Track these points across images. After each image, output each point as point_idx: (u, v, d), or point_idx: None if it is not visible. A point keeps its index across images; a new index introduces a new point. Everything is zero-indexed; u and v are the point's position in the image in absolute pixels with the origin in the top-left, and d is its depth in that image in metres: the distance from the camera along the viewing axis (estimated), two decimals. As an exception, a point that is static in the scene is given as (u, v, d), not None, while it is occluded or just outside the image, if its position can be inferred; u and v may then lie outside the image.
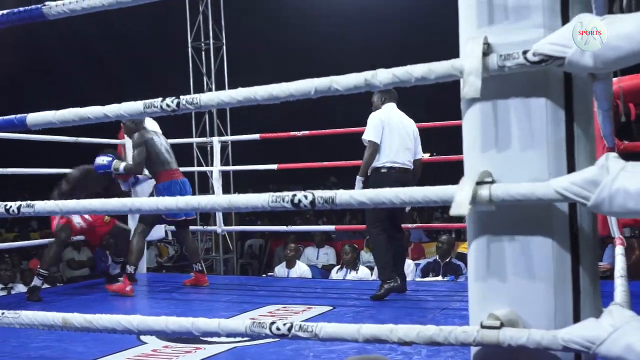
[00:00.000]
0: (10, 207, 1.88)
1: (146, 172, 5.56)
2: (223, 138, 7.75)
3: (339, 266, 7.14)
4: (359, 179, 4.81)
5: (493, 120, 1.30)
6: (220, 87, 8.65)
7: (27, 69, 16.05)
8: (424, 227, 9.24)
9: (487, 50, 1.26)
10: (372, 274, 6.75)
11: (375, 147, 4.78)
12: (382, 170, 4.78)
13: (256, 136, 6.49)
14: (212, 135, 8.15)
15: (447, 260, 6.65)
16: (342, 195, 1.45)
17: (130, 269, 5.25)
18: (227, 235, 9.15)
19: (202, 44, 8.82)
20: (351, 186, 4.73)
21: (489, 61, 1.24)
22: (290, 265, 7.25)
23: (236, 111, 8.84)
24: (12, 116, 1.84)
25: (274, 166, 6.29)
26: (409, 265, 6.72)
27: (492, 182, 1.28)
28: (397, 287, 4.76)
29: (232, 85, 8.41)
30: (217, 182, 6.64)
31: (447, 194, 1.33)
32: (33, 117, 1.79)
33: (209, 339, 3.51)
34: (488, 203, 1.25)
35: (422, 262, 7.27)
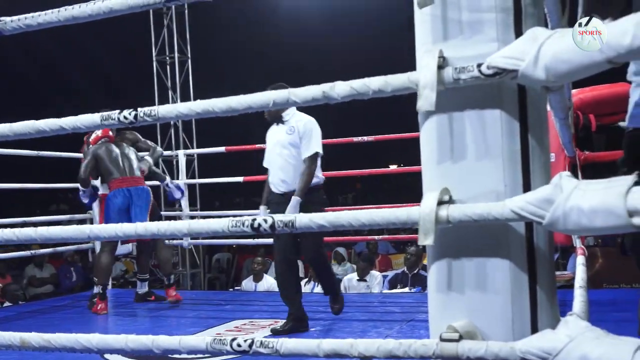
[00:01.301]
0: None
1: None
2: (189, 151, 7.70)
3: (306, 279, 7.12)
4: (297, 201, 4.00)
5: (449, 132, 1.31)
6: (185, 100, 8.58)
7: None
8: (391, 238, 9.25)
9: (443, 63, 1.27)
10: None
11: (316, 163, 4.14)
12: (317, 190, 4.18)
13: (222, 149, 6.47)
14: (177, 148, 8.09)
15: (415, 271, 6.67)
16: (301, 219, 1.44)
17: (97, 288, 5.22)
18: (194, 250, 9.07)
19: (167, 58, 8.77)
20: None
21: (444, 74, 1.25)
22: (257, 278, 7.21)
23: (202, 124, 8.80)
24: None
25: (240, 179, 6.27)
26: (376, 277, 6.73)
27: (450, 199, 1.29)
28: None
29: (198, 95, 8.37)
30: (179, 194, 6.58)
31: (406, 216, 1.33)
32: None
33: (172, 356, 3.47)
34: (446, 223, 1.26)
35: (390, 273, 7.28)
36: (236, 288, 7.85)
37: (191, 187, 8.04)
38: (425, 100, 1.27)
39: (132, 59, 11.18)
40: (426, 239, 1.27)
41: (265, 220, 1.46)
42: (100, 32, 14.17)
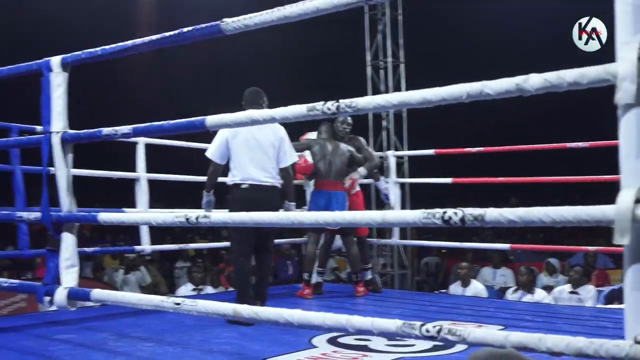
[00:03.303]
0: (190, 217, 2.09)
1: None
2: (398, 153, 7.84)
3: (514, 287, 6.93)
4: (204, 194, 4.65)
5: (650, 126, 1.26)
6: (398, 104, 8.76)
7: (203, 78, 16.99)
8: (606, 250, 8.60)
9: (643, 54, 1.22)
10: (549, 296, 6.49)
11: (215, 167, 4.55)
12: (232, 189, 4.54)
13: (431, 151, 6.52)
14: (389, 150, 8.25)
15: (635, 288, 6.18)
16: (491, 213, 1.46)
17: (305, 275, 5.70)
18: (402, 252, 9.19)
19: (381, 63, 9.00)
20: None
21: (645, 65, 1.21)
22: (465, 283, 7.13)
23: (414, 128, 8.90)
24: (194, 118, 2.05)
25: (448, 180, 6.26)
26: (590, 290, 6.37)
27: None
28: None
29: None
30: (392, 194, 6.75)
31: (601, 213, 1.29)
32: (211, 119, 1.99)
33: (375, 347, 3.59)
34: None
35: (606, 289, 6.84)
36: (442, 291, 7.84)
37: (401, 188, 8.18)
38: (625, 93, 1.23)
39: (348, 64, 11.59)
40: (622, 238, 1.24)
41: (456, 213, 1.50)
42: (318, 38, 14.89)
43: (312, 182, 6.24)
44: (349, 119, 5.84)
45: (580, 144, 5.33)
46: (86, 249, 5.42)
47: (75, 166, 3.15)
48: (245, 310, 1.89)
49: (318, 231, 5.76)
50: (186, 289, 7.55)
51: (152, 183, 5.57)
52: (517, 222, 1.42)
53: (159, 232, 13.54)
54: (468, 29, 15.77)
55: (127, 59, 3.21)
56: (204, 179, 4.76)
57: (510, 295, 6.76)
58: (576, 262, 8.96)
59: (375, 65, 9.05)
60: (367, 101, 1.66)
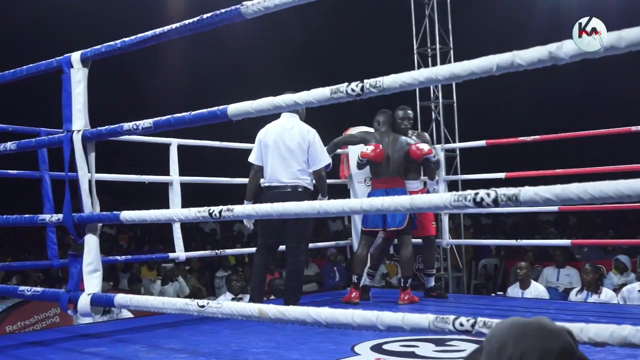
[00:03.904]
0: (213, 211, 2.12)
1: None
2: (448, 146, 7.75)
3: (578, 288, 6.79)
4: (246, 203, 4.99)
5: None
6: (446, 92, 8.65)
7: (221, 70, 17.02)
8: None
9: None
10: (617, 296, 6.34)
11: (256, 169, 5.05)
12: (263, 190, 5.04)
13: (482, 142, 6.42)
14: (439, 143, 8.15)
15: None
16: (526, 192, 1.43)
17: (354, 278, 5.65)
18: (457, 254, 9.08)
19: (429, 50, 8.89)
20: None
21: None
22: (524, 285, 7.00)
23: (464, 121, 8.79)
24: (215, 108, 2.07)
25: (502, 175, 6.15)
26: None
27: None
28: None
29: (460, 90, 8.25)
30: (441, 190, 6.67)
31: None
32: (233, 108, 2.00)
33: (423, 354, 3.56)
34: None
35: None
36: (498, 293, 7.72)
37: (453, 183, 8.10)
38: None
39: (393, 51, 11.51)
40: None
41: (488, 194, 1.47)
42: (361, 25, 14.84)
43: (355, 182, 6.21)
44: (410, 113, 5.70)
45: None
46: (118, 257, 5.52)
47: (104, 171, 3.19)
48: (272, 310, 1.90)
49: (373, 234, 5.68)
50: (225, 298, 7.60)
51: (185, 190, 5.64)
52: (554, 200, 1.38)
53: (200, 241, 13.72)
54: (520, 13, 15.55)
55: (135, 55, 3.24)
56: (235, 181, 4.92)
57: (575, 297, 6.63)
58: (646, 258, 8.75)
59: (422, 53, 8.96)
60: (392, 80, 1.64)
